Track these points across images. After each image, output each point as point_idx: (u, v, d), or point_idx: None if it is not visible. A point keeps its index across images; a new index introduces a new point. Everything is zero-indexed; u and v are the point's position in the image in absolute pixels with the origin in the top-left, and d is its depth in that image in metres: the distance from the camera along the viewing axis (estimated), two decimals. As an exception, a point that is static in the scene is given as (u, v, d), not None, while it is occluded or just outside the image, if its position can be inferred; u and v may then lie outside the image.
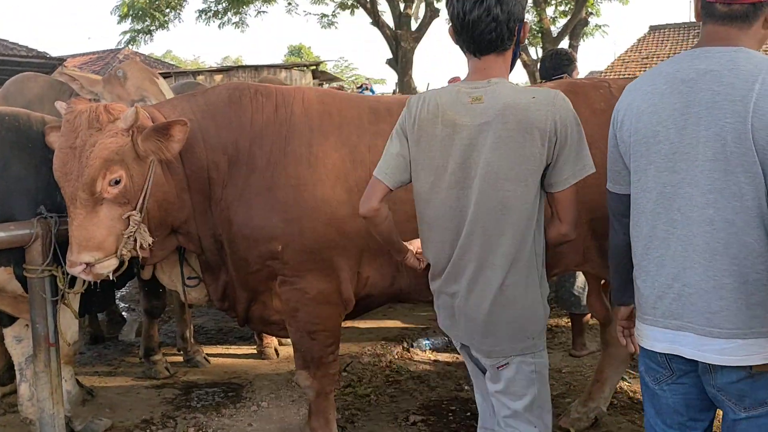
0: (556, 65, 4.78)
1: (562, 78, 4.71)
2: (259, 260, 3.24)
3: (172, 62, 42.79)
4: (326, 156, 3.19)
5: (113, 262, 3.02)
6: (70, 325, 3.55)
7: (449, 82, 10.81)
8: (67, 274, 3.26)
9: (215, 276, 3.49)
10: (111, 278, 3.08)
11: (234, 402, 4.23)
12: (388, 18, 21.27)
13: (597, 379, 3.99)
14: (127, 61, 4.07)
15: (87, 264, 2.95)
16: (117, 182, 2.95)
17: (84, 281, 3.29)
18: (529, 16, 22.90)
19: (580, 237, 3.22)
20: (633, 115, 2.10)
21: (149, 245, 3.08)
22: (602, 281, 3.65)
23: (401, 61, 21.32)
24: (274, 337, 5.11)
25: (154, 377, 4.62)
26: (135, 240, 3.03)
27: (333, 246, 3.19)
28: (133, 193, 3.01)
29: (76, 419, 3.71)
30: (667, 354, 2.07)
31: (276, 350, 5.07)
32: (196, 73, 16.53)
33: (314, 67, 26.86)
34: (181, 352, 4.95)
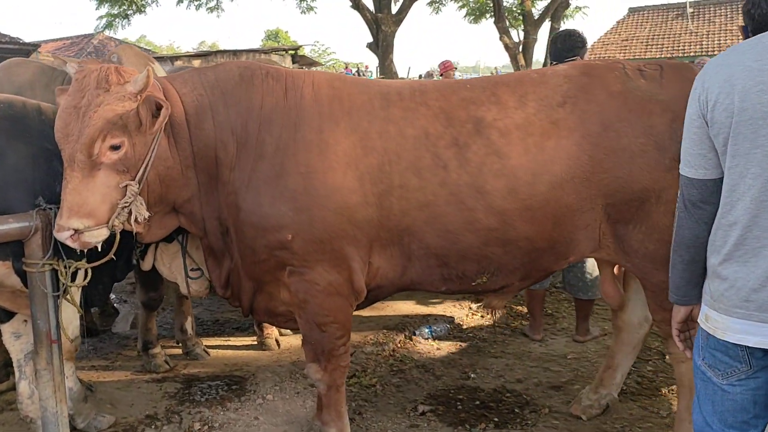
0: (569, 47, 4.67)
1: (574, 59, 4.63)
2: (267, 250, 3.14)
3: (146, 47, 42.24)
4: (337, 143, 3.09)
5: (103, 232, 2.90)
6: (71, 320, 3.44)
7: (440, 66, 10.73)
8: (68, 267, 3.15)
9: (218, 262, 3.39)
10: (98, 249, 2.96)
11: (238, 395, 4.13)
12: (368, 1, 21.07)
13: (608, 366, 3.95)
14: (122, 45, 3.93)
15: (75, 231, 2.83)
16: (117, 148, 2.84)
17: (86, 274, 3.17)
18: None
19: (594, 223, 3.16)
20: (735, 93, 1.96)
21: (144, 219, 2.97)
22: (615, 267, 3.59)
23: (382, 45, 21.17)
24: (274, 328, 5.00)
25: (153, 371, 4.50)
26: (130, 212, 2.91)
27: (343, 236, 3.10)
28: (133, 162, 2.89)
29: (79, 416, 3.60)
30: (750, 348, 1.99)
31: (277, 341, 4.97)
32: (173, 58, 16.26)
33: (294, 52, 26.66)
34: (180, 345, 4.83)
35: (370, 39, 21.54)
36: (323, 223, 3.06)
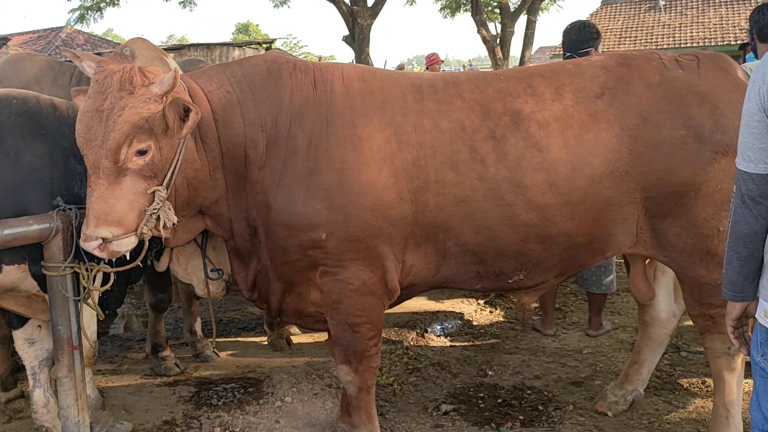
0: (584, 38, 4.61)
1: (589, 51, 4.57)
2: (299, 249, 3.03)
3: (114, 41, 41.52)
4: (371, 138, 2.99)
5: (132, 240, 2.77)
6: (89, 325, 3.29)
7: (426, 59, 10.62)
8: (90, 270, 3.01)
9: (245, 264, 3.27)
10: (128, 261, 2.84)
11: (256, 398, 4.01)
12: (343, -6, 20.83)
13: (634, 361, 3.91)
14: (134, 38, 3.76)
15: (103, 239, 2.69)
16: (144, 153, 2.71)
17: (108, 277, 3.03)
18: (488, -8, 22.80)
19: (633, 217, 3.11)
20: None
21: (173, 225, 2.85)
22: (647, 261, 3.54)
23: (358, 38, 20.96)
24: (285, 327, 4.89)
25: (164, 374, 4.36)
26: (158, 218, 2.79)
27: (378, 233, 3.00)
28: (160, 167, 2.76)
29: (97, 424, 3.45)
30: None
31: (288, 341, 4.85)
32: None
33: (268, 46, 26.40)
34: (190, 346, 4.69)
35: (346, 32, 21.34)
36: (358, 220, 2.96)
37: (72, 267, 2.97)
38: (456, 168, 3.00)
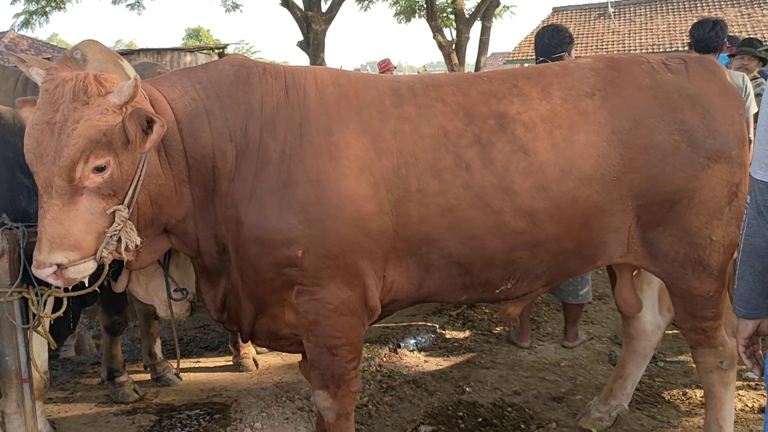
0: (557, 42, 4.49)
1: (561, 56, 4.44)
2: (273, 268, 2.80)
3: (59, 46, 40.45)
4: (348, 146, 2.78)
5: (90, 265, 2.49)
6: (39, 354, 3.01)
7: (379, 65, 10.45)
8: (40, 294, 2.73)
9: (213, 283, 3.03)
10: (85, 285, 2.56)
11: (223, 426, 3.74)
12: (297, -1, 20.58)
13: (619, 375, 3.77)
14: (85, 40, 3.46)
15: (59, 266, 2.41)
16: (102, 169, 2.44)
17: (61, 302, 2.75)
18: (443, -3, 22.81)
19: (624, 225, 2.97)
20: None
21: (136, 246, 2.58)
22: (635, 271, 3.41)
23: (313, 44, 20.74)
24: (251, 347, 4.63)
25: (122, 401, 4.06)
26: (119, 240, 2.52)
27: (357, 249, 2.80)
28: (120, 184, 2.50)
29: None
30: None
31: (255, 360, 4.59)
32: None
33: (221, 51, 25.91)
34: (149, 370, 4.39)
35: (300, 37, 21.09)
36: (337, 235, 2.74)
37: (20, 292, 2.69)
38: (439, 176, 2.81)
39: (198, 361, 4.78)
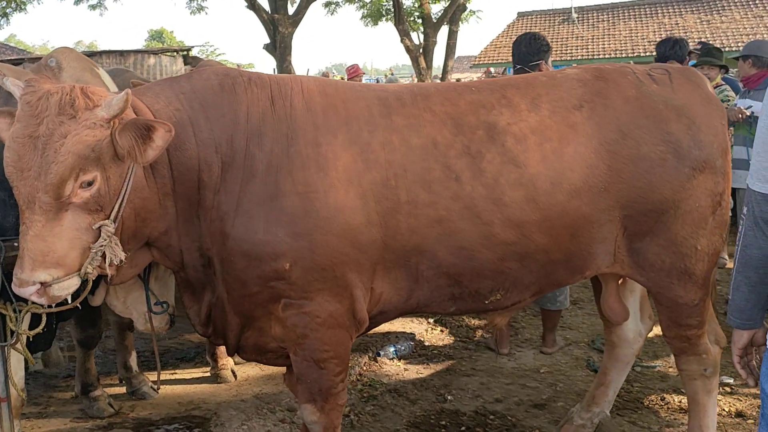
0: (534, 50, 4.52)
1: (539, 63, 4.47)
2: (260, 281, 2.75)
3: (18, 47, 39.61)
4: (336, 157, 2.75)
5: (74, 282, 2.43)
6: (16, 371, 2.91)
7: (348, 71, 10.42)
8: (18, 311, 2.64)
9: (197, 297, 2.97)
10: (67, 301, 2.48)
11: (204, 440, 3.68)
12: (264, 2, 20.47)
13: (601, 382, 3.79)
14: (60, 47, 3.37)
15: (42, 284, 2.34)
16: (90, 184, 2.37)
17: (39, 318, 2.66)
18: (409, 2, 22.93)
19: (611, 236, 2.98)
20: None
21: (121, 261, 2.51)
22: (620, 280, 3.43)
23: (280, 47, 20.66)
24: (229, 357, 4.56)
25: (97, 416, 3.95)
26: (103, 255, 2.45)
27: (346, 261, 2.77)
28: (107, 199, 2.43)
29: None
30: None
31: (233, 372, 4.52)
32: (54, 59, 15.11)
33: (186, 53, 25.53)
34: (125, 383, 4.29)
35: (267, 40, 20.97)
36: (325, 248, 2.71)
37: (-3, 308, 2.60)
38: (429, 187, 2.80)
39: (174, 373, 4.68)
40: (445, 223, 2.80)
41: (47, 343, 3.32)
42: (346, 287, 2.81)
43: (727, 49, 19.28)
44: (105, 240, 2.43)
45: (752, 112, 5.65)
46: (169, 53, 24.43)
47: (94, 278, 2.49)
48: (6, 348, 2.69)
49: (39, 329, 2.66)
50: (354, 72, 10.27)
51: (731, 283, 2.15)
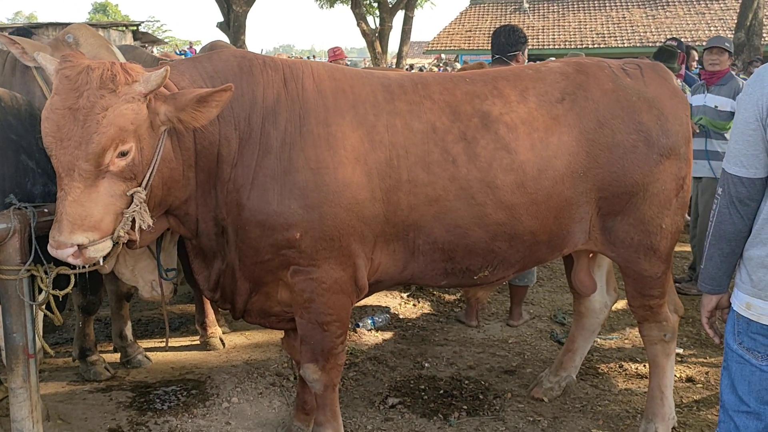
0: (513, 41, 4.82)
1: (516, 55, 4.78)
2: (272, 249, 2.99)
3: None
4: (345, 137, 3.00)
5: (108, 245, 2.63)
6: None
7: (329, 53, 10.52)
8: (48, 273, 2.82)
9: (208, 264, 3.19)
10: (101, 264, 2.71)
11: (202, 400, 3.91)
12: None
13: (568, 349, 4.16)
14: (75, 24, 3.50)
15: (79, 246, 2.53)
16: (125, 154, 2.57)
17: (69, 280, 2.86)
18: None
19: (587, 216, 3.31)
20: None
21: (149, 226, 2.72)
22: (590, 255, 3.77)
23: (233, 25, 20.54)
24: (218, 326, 4.77)
25: (94, 379, 4.14)
26: (133, 220, 2.66)
27: (352, 232, 3.02)
28: (140, 168, 2.64)
29: (42, 437, 3.23)
30: None
31: (221, 340, 4.74)
32: (-2, 29, 14.74)
33: (135, 28, 25.05)
34: (119, 352, 4.46)
35: (219, 18, 20.80)
36: (334, 220, 2.96)
37: (29, 270, 2.78)
38: (428, 168, 3.07)
39: (162, 341, 4.87)
40: (441, 202, 3.08)
41: (62, 306, 3.48)
42: (350, 256, 3.06)
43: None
44: (137, 206, 2.63)
45: (715, 106, 5.93)
46: (119, 28, 23.92)
47: (125, 241, 2.69)
48: (34, 307, 2.86)
49: (69, 289, 2.84)
50: (337, 55, 10.30)
51: (704, 255, 2.49)
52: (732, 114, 5.54)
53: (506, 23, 7.60)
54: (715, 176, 5.61)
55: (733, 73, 6.29)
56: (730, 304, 2.42)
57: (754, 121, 2.25)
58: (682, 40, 10.02)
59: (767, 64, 2.29)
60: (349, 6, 21.28)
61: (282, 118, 2.97)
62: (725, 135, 5.80)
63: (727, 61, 6.05)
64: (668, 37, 11.52)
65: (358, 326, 5.16)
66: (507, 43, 4.84)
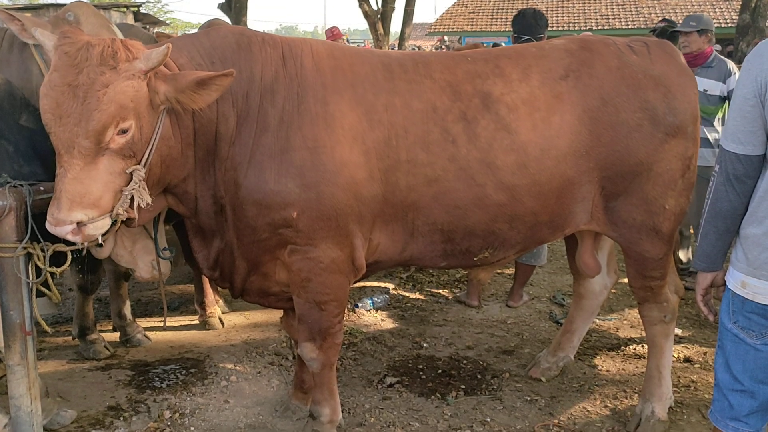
0: (542, 24, 4.96)
1: (542, 38, 4.77)
2: (269, 228, 2.98)
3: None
4: (343, 116, 2.98)
5: (106, 222, 2.61)
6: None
7: (327, 33, 10.47)
8: (45, 250, 2.81)
9: (207, 242, 3.17)
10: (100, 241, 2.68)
11: (200, 379, 3.92)
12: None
13: (567, 330, 4.16)
14: (75, 2, 3.46)
15: (78, 223, 2.51)
16: (125, 132, 2.54)
17: (65, 258, 2.85)
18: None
19: (590, 195, 3.28)
20: None
21: (148, 204, 2.70)
22: (595, 236, 3.75)
23: (235, 6, 20.38)
24: (217, 306, 4.77)
25: (93, 358, 4.15)
26: (132, 198, 2.64)
27: (349, 212, 3.00)
28: (140, 146, 2.61)
29: (41, 412, 3.24)
30: None
31: (221, 319, 4.74)
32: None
33: (136, 9, 24.88)
34: (119, 331, 4.46)
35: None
36: (331, 199, 2.94)
37: (25, 248, 2.77)
38: (428, 148, 3.04)
39: (160, 321, 4.87)
40: (441, 183, 3.05)
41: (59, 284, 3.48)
42: (347, 236, 3.05)
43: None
44: (136, 184, 2.61)
45: (704, 89, 5.78)
46: (120, 9, 23.74)
47: (123, 219, 2.68)
48: (32, 285, 2.85)
49: (65, 267, 2.83)
50: (335, 35, 10.26)
51: (699, 232, 2.48)
52: (721, 99, 5.45)
53: (510, 4, 7.55)
54: (705, 164, 5.44)
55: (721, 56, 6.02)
56: (725, 282, 2.41)
57: (753, 97, 2.22)
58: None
59: (766, 40, 2.26)
60: (352, -14, 21.07)
61: (280, 96, 2.94)
62: (713, 122, 5.54)
63: (701, 41, 5.60)
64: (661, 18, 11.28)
65: (357, 306, 5.16)
66: (536, 24, 4.88)
